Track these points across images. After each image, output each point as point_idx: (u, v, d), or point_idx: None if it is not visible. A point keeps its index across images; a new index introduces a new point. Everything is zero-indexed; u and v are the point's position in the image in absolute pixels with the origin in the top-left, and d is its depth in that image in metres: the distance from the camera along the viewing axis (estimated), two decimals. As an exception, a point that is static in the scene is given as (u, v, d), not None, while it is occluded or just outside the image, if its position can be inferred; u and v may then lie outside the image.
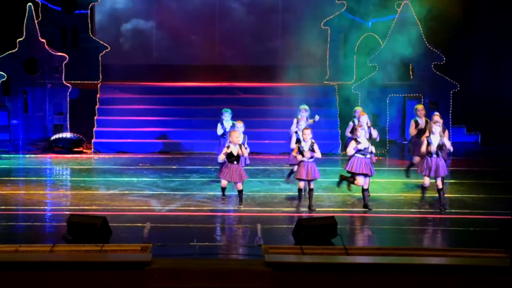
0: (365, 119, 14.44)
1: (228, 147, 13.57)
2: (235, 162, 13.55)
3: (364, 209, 13.45)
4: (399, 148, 20.73)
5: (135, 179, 16.29)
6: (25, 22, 21.02)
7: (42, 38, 21.15)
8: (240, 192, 13.71)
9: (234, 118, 15.50)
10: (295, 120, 14.91)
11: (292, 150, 14.02)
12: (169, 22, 24.44)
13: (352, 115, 16.20)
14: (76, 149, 19.99)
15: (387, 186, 15.67)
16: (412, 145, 15.71)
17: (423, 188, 14.14)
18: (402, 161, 18.44)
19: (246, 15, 24.63)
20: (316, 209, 13.33)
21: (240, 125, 14.39)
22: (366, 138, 13.59)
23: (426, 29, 21.00)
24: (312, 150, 13.34)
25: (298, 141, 13.90)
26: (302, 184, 13.64)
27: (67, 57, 21.35)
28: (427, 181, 13.80)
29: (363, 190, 13.53)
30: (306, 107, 15.40)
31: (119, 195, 14.58)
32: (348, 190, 14.04)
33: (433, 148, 13.44)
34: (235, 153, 13.52)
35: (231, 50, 24.56)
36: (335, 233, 11.07)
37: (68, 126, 20.88)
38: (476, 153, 21.03)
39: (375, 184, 15.07)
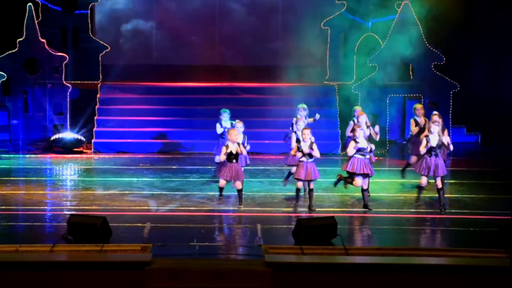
0: (364, 119, 14.42)
1: (227, 146, 13.57)
2: (235, 161, 13.57)
3: (364, 209, 13.45)
4: (399, 148, 20.71)
5: (135, 179, 16.28)
6: (25, 22, 21.01)
7: (42, 38, 21.14)
8: (240, 191, 13.70)
9: (234, 118, 15.50)
10: (294, 120, 14.91)
11: (291, 149, 14.02)
12: (169, 22, 24.44)
13: (352, 115, 16.19)
14: (76, 149, 19.99)
15: (387, 186, 15.67)
16: (411, 144, 15.70)
17: (419, 188, 14.04)
18: (402, 161, 18.37)
19: (246, 16, 24.63)
20: (316, 209, 13.33)
21: (240, 125, 14.40)
22: (365, 138, 13.60)
23: (426, 29, 20.98)
24: (311, 150, 13.34)
25: (297, 141, 13.90)
26: (300, 184, 13.63)
27: (67, 57, 21.38)
28: (424, 180, 13.76)
29: (363, 190, 13.52)
30: (304, 106, 15.41)
31: (119, 195, 14.57)
32: (344, 188, 14.05)
33: (432, 144, 13.38)
34: (234, 152, 13.53)
35: (231, 50, 24.56)
36: (335, 233, 11.08)
37: (68, 126, 20.89)
38: (476, 153, 21.02)
39: (375, 184, 15.08)
